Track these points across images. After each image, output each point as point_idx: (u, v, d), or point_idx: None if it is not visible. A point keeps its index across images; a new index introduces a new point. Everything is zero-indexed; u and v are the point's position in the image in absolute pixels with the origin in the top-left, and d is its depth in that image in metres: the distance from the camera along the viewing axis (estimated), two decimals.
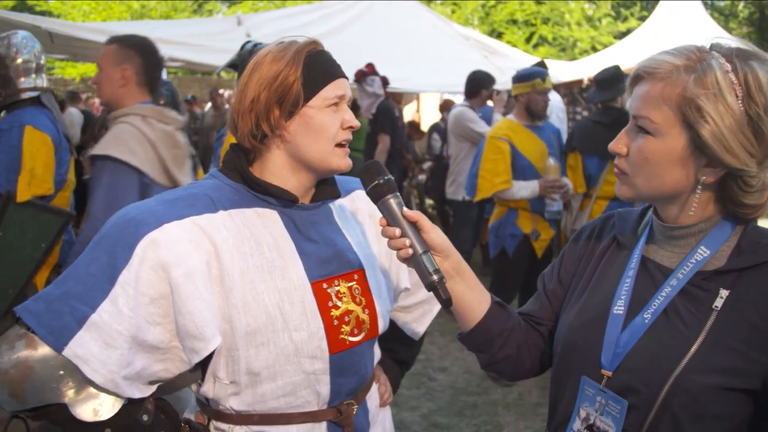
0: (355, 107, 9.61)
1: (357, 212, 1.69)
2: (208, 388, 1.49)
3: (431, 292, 1.35)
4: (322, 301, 1.50)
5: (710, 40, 1.25)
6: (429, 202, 10.46)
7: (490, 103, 6.83)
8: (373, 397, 1.70)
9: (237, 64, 3.68)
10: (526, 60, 10.11)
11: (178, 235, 1.39)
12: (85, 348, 1.34)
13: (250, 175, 1.51)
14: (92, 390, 1.40)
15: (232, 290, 1.42)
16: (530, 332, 1.53)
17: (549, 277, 1.57)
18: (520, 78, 4.81)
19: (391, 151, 7.04)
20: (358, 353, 1.57)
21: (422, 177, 9.79)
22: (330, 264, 1.54)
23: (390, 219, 1.35)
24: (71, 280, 1.39)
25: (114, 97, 2.92)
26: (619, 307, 1.32)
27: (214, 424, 1.53)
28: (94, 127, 4.94)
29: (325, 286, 1.52)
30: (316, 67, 1.46)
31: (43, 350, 1.37)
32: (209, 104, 12.32)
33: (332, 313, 1.51)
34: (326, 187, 1.60)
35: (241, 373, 1.44)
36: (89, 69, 19.39)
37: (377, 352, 1.70)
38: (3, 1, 19.28)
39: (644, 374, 1.24)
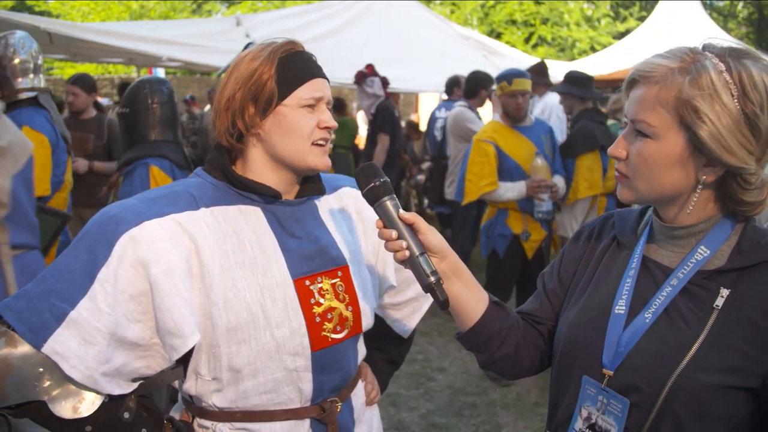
0: (341, 106, 9.60)
1: (344, 209, 1.69)
2: (191, 385, 1.50)
3: (426, 292, 1.35)
4: (305, 298, 1.50)
5: (703, 41, 1.26)
6: (427, 201, 10.46)
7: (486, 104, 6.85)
8: (358, 395, 1.70)
9: None
10: (526, 60, 10.12)
11: (157, 232, 1.40)
12: (64, 345, 1.35)
13: (232, 172, 1.52)
14: (72, 387, 1.40)
15: (213, 287, 1.43)
16: (529, 331, 1.53)
17: (549, 276, 1.57)
18: (496, 80, 4.87)
19: (390, 152, 7.04)
20: (341, 350, 1.57)
21: (421, 177, 9.78)
22: (313, 261, 1.54)
23: (386, 221, 1.35)
24: (52, 278, 1.40)
25: None
26: (620, 307, 1.32)
27: (197, 421, 1.54)
28: None
29: (307, 282, 1.52)
30: (291, 66, 1.48)
31: (23, 348, 1.37)
32: (208, 105, 12.32)
33: (314, 310, 1.51)
34: (311, 184, 1.61)
35: (223, 369, 1.45)
36: (88, 69, 19.39)
37: (362, 350, 1.70)
38: (2, 1, 19.28)
39: (646, 373, 1.24)
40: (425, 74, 8.96)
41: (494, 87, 6.67)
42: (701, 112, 1.17)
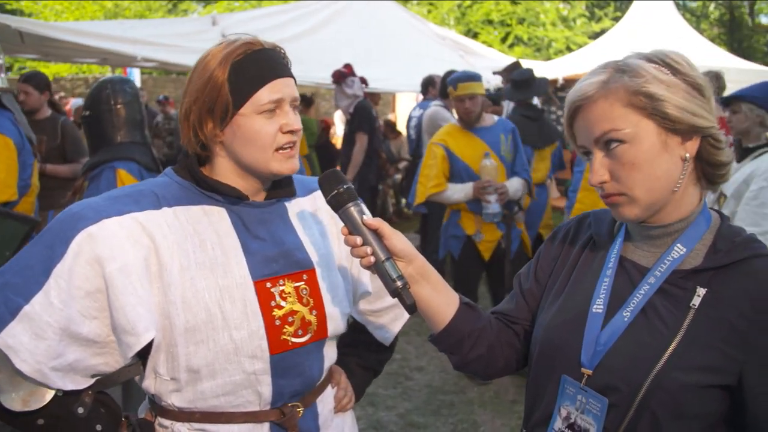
0: (308, 102, 9.54)
1: (317, 212, 1.67)
2: (150, 384, 1.49)
3: (393, 297, 1.35)
4: (265, 300, 1.49)
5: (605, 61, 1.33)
6: (404, 201, 10.49)
7: None
8: (326, 402, 1.66)
9: None
10: (502, 60, 10.19)
11: (115, 230, 1.39)
12: (16, 338, 1.35)
13: (198, 172, 1.51)
14: (23, 381, 1.41)
15: (171, 286, 1.42)
16: (504, 331, 1.54)
17: (525, 276, 1.57)
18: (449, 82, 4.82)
19: (369, 151, 7.04)
20: (303, 355, 1.54)
21: (398, 177, 9.80)
22: (276, 263, 1.52)
23: (351, 227, 1.34)
24: (10, 272, 1.41)
25: None
26: (598, 306, 1.33)
27: (158, 420, 1.53)
28: None
29: (269, 285, 1.50)
30: (245, 71, 1.43)
31: None
32: None
33: (275, 313, 1.49)
34: (281, 186, 1.59)
35: (181, 370, 1.43)
36: (62, 69, 19.17)
37: (329, 355, 1.66)
38: None
39: (624, 372, 1.25)
40: (402, 74, 8.98)
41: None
42: (656, 94, 1.22)
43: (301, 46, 8.26)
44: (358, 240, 1.33)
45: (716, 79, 5.08)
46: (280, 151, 1.47)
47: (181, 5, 23.13)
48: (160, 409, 1.52)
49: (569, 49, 20.99)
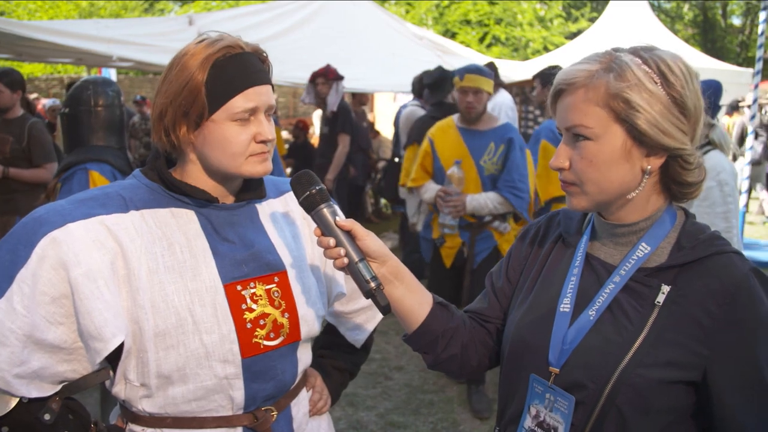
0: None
1: (289, 213, 1.66)
2: (120, 390, 1.47)
3: (366, 298, 1.35)
4: (235, 304, 1.47)
5: (613, 47, 1.31)
6: (383, 201, 10.49)
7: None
8: (300, 405, 1.65)
9: None
10: (480, 60, 10.21)
11: (80, 234, 1.37)
12: None
13: (167, 175, 1.49)
14: None
15: (139, 291, 1.40)
16: (477, 330, 1.55)
17: (497, 274, 1.58)
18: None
19: (357, 151, 7.05)
20: (275, 358, 1.53)
21: (377, 176, 9.81)
22: (246, 265, 1.50)
23: (324, 229, 1.34)
24: None
25: None
26: (565, 305, 1.35)
27: (129, 426, 1.51)
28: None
29: (239, 288, 1.48)
30: (223, 76, 1.40)
31: None
32: None
33: (246, 316, 1.47)
34: (251, 188, 1.57)
35: (151, 375, 1.41)
36: (36, 69, 18.92)
37: (303, 358, 1.64)
38: None
39: (590, 370, 1.26)
40: (379, 74, 8.98)
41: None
42: (633, 102, 1.21)
43: (278, 45, 8.22)
44: (332, 241, 1.32)
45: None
46: (253, 156, 1.45)
47: (158, 5, 22.94)
48: (131, 415, 1.50)
49: (546, 49, 21.13)
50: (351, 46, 9.23)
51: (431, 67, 6.94)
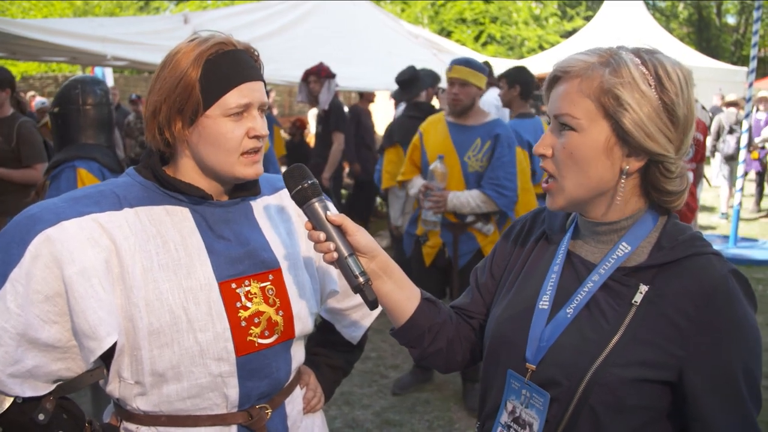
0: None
1: (283, 210, 1.66)
2: (114, 388, 1.47)
3: (355, 293, 1.36)
4: (230, 302, 1.46)
5: (616, 45, 1.31)
6: (378, 200, 10.48)
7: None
8: (294, 403, 1.65)
9: None
10: (475, 58, 10.22)
11: (74, 232, 1.36)
12: None
13: (161, 172, 1.49)
14: None
15: (133, 289, 1.39)
16: (462, 325, 1.56)
17: (482, 271, 1.59)
18: None
19: (363, 149, 7.05)
20: (270, 356, 1.53)
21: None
22: (241, 263, 1.50)
23: (315, 223, 1.35)
24: None
25: None
26: (544, 302, 1.35)
27: (124, 424, 1.51)
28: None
29: (234, 285, 1.48)
30: (216, 72, 1.40)
31: None
32: None
33: (240, 314, 1.47)
34: (245, 185, 1.57)
35: (145, 373, 1.41)
36: (30, 67, 18.87)
37: (297, 356, 1.64)
38: None
39: (565, 368, 1.27)
40: (375, 73, 8.97)
41: (440, 85, 6.76)
42: (623, 100, 1.21)
43: (274, 44, 8.22)
44: (321, 236, 1.33)
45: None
46: (245, 156, 1.45)
47: (153, 3, 22.91)
48: (125, 413, 1.50)
49: (542, 48, 21.18)
50: (347, 45, 9.23)
51: (426, 65, 6.95)
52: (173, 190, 1.48)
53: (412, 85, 5.78)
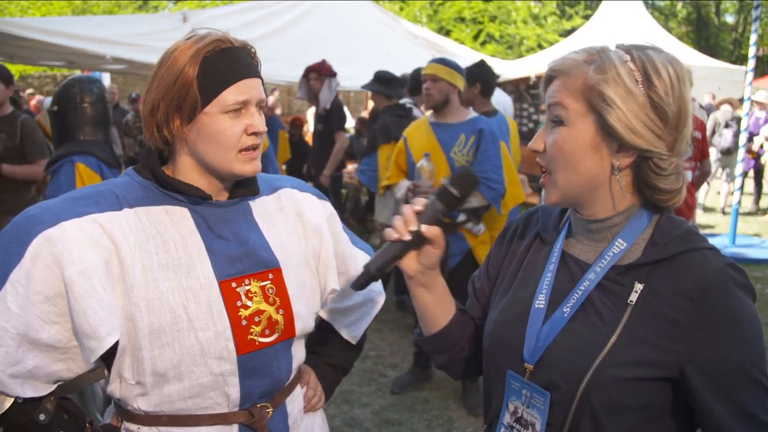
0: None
1: (282, 210, 1.65)
2: (115, 388, 1.47)
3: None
4: (230, 301, 1.47)
5: (616, 44, 1.31)
6: None
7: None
8: (295, 401, 1.65)
9: None
10: (474, 57, 10.21)
11: (74, 232, 1.37)
12: None
13: (160, 172, 1.49)
14: None
15: (134, 289, 1.39)
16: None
17: (478, 277, 1.60)
18: None
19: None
20: (270, 355, 1.53)
21: None
22: (241, 262, 1.50)
23: (422, 217, 1.35)
24: None
25: None
26: (540, 302, 1.35)
27: (125, 425, 1.50)
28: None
29: (234, 285, 1.48)
30: (214, 69, 1.41)
31: None
32: None
33: (241, 313, 1.47)
34: (244, 185, 1.57)
35: (146, 373, 1.41)
36: (28, 66, 18.83)
37: (298, 355, 1.65)
38: None
39: (563, 368, 1.27)
40: (373, 72, 8.97)
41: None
42: (607, 96, 1.21)
43: (273, 43, 8.22)
44: (413, 227, 1.34)
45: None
46: (243, 153, 1.45)
47: (151, 2, 22.88)
48: (126, 413, 1.50)
49: (540, 47, 21.19)
50: (345, 45, 9.24)
51: (424, 65, 6.95)
52: (172, 191, 1.48)
53: (390, 85, 5.91)
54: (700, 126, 4.81)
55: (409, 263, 1.40)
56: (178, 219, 1.48)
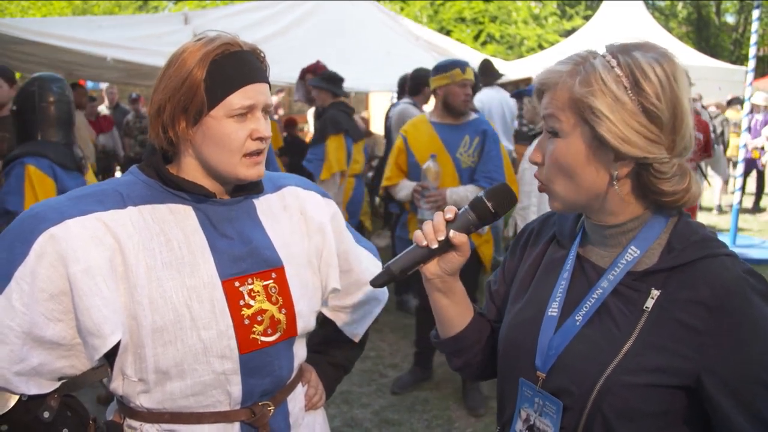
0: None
1: (286, 209, 1.66)
2: (117, 385, 1.48)
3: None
4: (233, 300, 1.48)
5: (606, 44, 1.28)
6: (378, 200, 10.47)
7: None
8: (296, 400, 1.67)
9: None
10: (475, 57, 10.22)
11: (78, 231, 1.38)
12: None
13: (164, 171, 1.49)
14: None
15: (137, 287, 1.40)
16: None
17: (494, 281, 1.59)
18: (438, 69, 4.35)
19: None
20: (272, 354, 1.54)
21: (370, 174, 9.80)
22: (244, 261, 1.51)
23: (455, 225, 1.35)
24: None
25: None
26: (553, 309, 1.34)
27: (127, 421, 1.52)
28: None
29: (237, 284, 1.49)
30: (222, 73, 1.42)
31: None
32: None
33: (243, 312, 1.48)
34: (247, 184, 1.57)
35: (149, 371, 1.43)
36: None
37: (299, 354, 1.66)
38: None
39: (575, 376, 1.25)
40: (375, 73, 8.97)
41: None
42: (594, 108, 1.19)
43: (274, 45, 8.20)
44: (441, 236, 1.34)
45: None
46: (248, 157, 1.46)
47: (152, 2, 22.87)
48: (128, 410, 1.51)
49: (541, 47, 21.18)
50: (346, 45, 9.22)
51: (426, 65, 6.96)
52: (176, 189, 1.49)
53: (339, 83, 6.12)
54: (704, 127, 4.89)
55: (430, 267, 1.40)
56: (182, 217, 1.49)
